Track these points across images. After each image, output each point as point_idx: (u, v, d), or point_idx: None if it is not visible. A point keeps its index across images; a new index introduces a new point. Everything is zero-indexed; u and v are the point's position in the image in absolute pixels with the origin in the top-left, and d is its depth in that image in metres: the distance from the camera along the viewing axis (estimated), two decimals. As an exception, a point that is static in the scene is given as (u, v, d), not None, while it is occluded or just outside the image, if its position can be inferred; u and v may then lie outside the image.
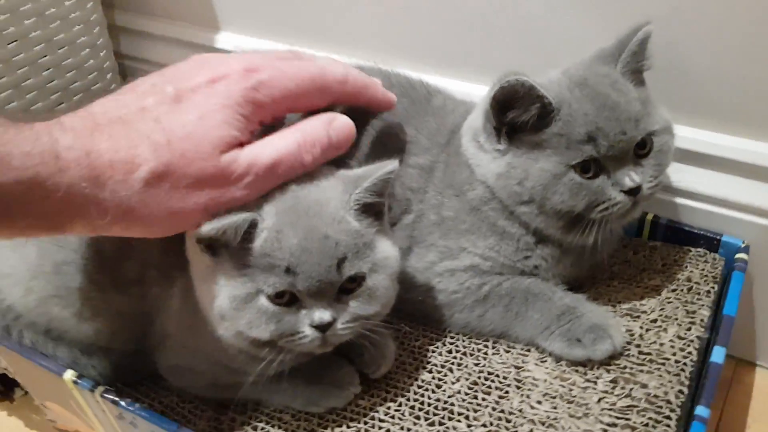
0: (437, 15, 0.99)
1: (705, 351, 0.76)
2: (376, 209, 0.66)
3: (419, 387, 0.74)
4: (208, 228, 0.59)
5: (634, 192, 0.72)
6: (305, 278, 0.61)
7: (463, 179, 0.79)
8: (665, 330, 0.76)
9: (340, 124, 0.66)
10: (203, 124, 0.58)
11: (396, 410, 0.72)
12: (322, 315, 0.62)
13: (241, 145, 0.60)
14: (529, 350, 0.77)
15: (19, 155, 0.51)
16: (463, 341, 0.79)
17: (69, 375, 0.75)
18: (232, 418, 0.74)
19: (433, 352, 0.78)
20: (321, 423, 0.72)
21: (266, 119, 0.63)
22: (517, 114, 0.72)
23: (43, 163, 0.52)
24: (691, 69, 0.84)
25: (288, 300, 0.63)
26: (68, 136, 0.54)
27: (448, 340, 0.80)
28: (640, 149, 0.73)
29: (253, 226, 0.61)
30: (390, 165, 0.64)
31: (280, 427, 0.72)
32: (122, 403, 0.72)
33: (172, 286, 0.72)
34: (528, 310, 0.76)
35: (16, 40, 1.05)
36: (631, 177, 0.72)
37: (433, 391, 0.74)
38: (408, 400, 0.73)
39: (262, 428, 0.72)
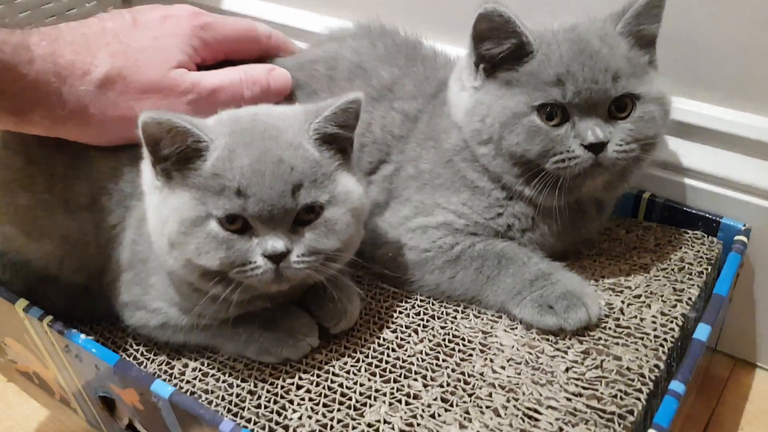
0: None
1: (692, 331, 0.71)
2: (339, 143, 0.63)
3: (380, 345, 0.70)
4: (155, 116, 0.57)
5: (595, 149, 0.67)
6: (256, 201, 0.58)
7: (442, 127, 0.75)
8: (648, 306, 0.71)
9: (278, 73, 0.78)
10: (157, 43, 0.68)
11: (353, 366, 0.68)
12: (275, 244, 0.59)
13: (188, 66, 0.71)
14: (500, 317, 0.73)
15: None
16: (433, 305, 0.75)
17: (21, 304, 0.73)
18: (185, 364, 0.71)
19: (401, 313, 0.74)
20: (273, 373, 0.68)
21: (208, 58, 0.74)
22: (493, 46, 0.68)
23: (16, 52, 0.60)
24: (696, 38, 0.79)
25: (240, 227, 0.59)
26: (37, 38, 0.63)
27: (418, 302, 0.76)
28: (620, 111, 0.68)
29: (203, 145, 0.59)
30: (353, 95, 0.61)
31: (231, 375, 0.69)
32: (66, 333, 0.69)
33: (128, 216, 0.69)
34: (500, 273, 0.72)
35: (29, 10, 1.05)
36: (594, 131, 0.66)
37: (393, 350, 0.70)
38: (366, 357, 0.69)
39: (213, 375, 0.69)
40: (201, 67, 0.74)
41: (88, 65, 0.65)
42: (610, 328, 0.69)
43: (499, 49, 0.69)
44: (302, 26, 1.09)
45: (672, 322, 0.69)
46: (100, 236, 0.71)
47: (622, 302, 0.72)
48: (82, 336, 0.69)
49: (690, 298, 0.72)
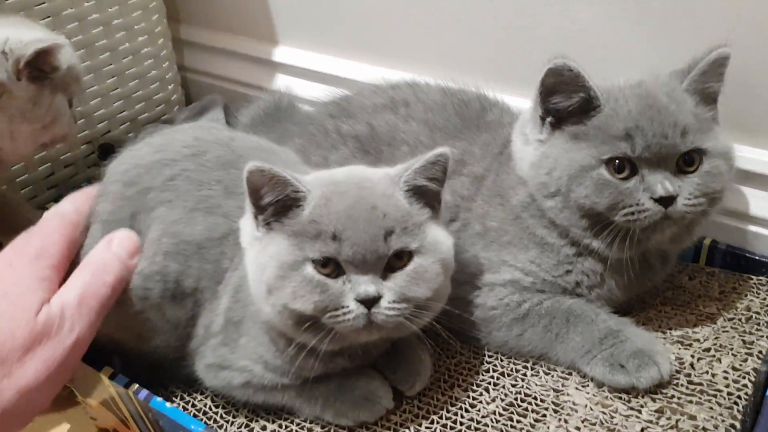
0: (487, 28, 0.98)
1: (764, 385, 0.71)
2: (428, 198, 0.66)
3: (452, 405, 0.72)
4: (259, 165, 0.61)
5: (665, 202, 0.68)
6: (350, 245, 0.61)
7: (508, 183, 0.78)
8: (719, 360, 0.72)
9: (118, 239, 0.72)
10: (9, 297, 0.63)
11: (427, 428, 0.70)
12: (368, 288, 0.61)
13: (48, 301, 0.65)
14: (570, 373, 0.74)
15: None
16: (501, 360, 0.76)
17: (106, 370, 0.76)
18: (263, 426, 0.73)
19: (470, 370, 0.76)
20: (351, 436, 0.70)
21: (61, 270, 0.70)
22: (561, 100, 0.71)
23: None
24: (756, 86, 0.79)
25: (334, 271, 0.62)
26: None
27: (486, 358, 0.77)
28: (687, 166, 0.70)
29: (301, 195, 0.63)
30: (441, 149, 0.65)
31: (309, 438, 0.71)
32: (153, 401, 0.72)
33: (224, 287, 0.72)
34: (569, 331, 0.73)
35: (83, 48, 1.09)
36: (664, 185, 0.68)
37: (467, 411, 0.71)
38: (441, 418, 0.71)
39: (291, 437, 0.71)
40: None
41: None
42: (682, 385, 0.69)
43: (568, 103, 0.71)
44: (354, 77, 1.12)
45: (744, 377, 0.69)
46: (196, 311, 0.75)
47: (692, 356, 0.73)
48: (168, 404, 0.72)
49: (760, 351, 0.72)
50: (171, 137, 0.79)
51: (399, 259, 0.63)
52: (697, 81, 0.71)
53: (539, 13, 0.93)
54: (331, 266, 0.62)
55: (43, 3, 1.01)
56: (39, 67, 0.82)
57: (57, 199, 1.11)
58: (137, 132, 1.19)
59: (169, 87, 1.27)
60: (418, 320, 0.64)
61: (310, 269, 0.62)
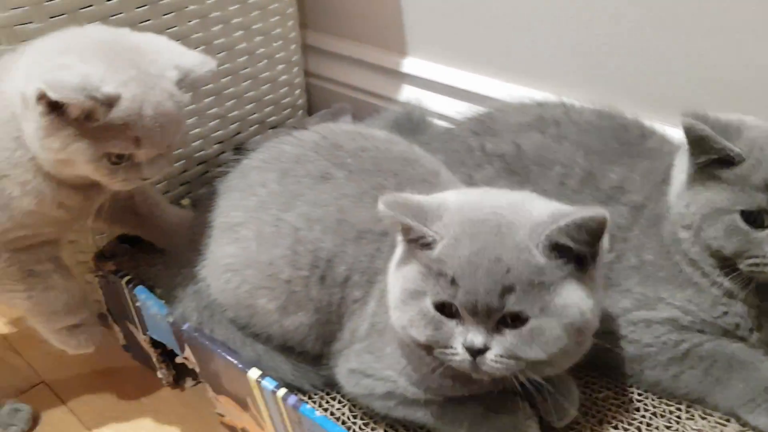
0: (640, 52, 0.96)
1: None
2: (575, 253, 0.61)
3: (603, 441, 0.70)
4: (390, 205, 0.61)
5: None
6: (465, 293, 0.59)
7: (662, 212, 0.76)
8: None
9: None
10: None
11: (577, 462, 0.68)
12: (474, 338, 0.60)
13: None
14: (728, 420, 0.71)
15: None
16: (652, 400, 0.74)
17: (254, 374, 0.77)
18: (402, 442, 0.73)
19: (619, 407, 0.74)
20: (495, 462, 0.69)
21: None
22: (698, 151, 0.71)
23: None
24: None
25: (449, 311, 0.61)
26: None
27: (635, 396, 0.75)
28: None
29: (431, 240, 0.61)
30: (596, 212, 0.59)
31: (451, 459, 0.70)
32: (301, 408, 0.73)
33: (373, 289, 0.73)
34: (731, 377, 0.70)
35: (224, 51, 1.12)
36: None
37: (619, 449, 0.69)
38: (590, 453, 0.69)
39: (432, 457, 0.71)
40: None
41: None
42: None
43: (705, 157, 0.70)
44: (487, 93, 1.11)
45: None
46: (342, 308, 0.76)
47: None
48: (317, 412, 0.73)
49: None
50: (334, 129, 0.84)
51: (514, 318, 0.60)
52: None
53: (708, 44, 0.90)
54: (447, 307, 0.61)
55: (193, 6, 1.04)
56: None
57: (189, 195, 1.15)
58: (264, 134, 1.22)
59: (296, 92, 1.30)
60: (530, 375, 0.62)
61: (428, 303, 0.62)
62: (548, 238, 0.59)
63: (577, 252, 0.60)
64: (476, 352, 0.60)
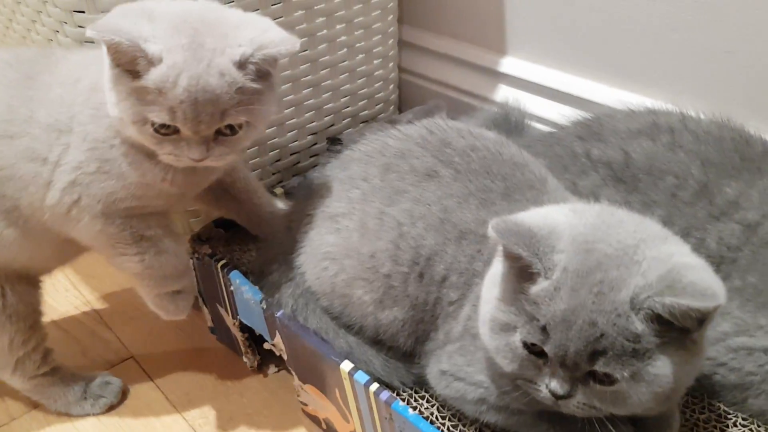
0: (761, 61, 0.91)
1: None
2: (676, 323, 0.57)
3: (706, 465, 0.67)
4: (499, 235, 0.59)
5: None
6: (554, 346, 0.58)
7: None
8: None
9: None
10: None
11: (679, 485, 0.66)
12: (557, 387, 0.59)
13: None
14: None
15: None
16: (758, 426, 0.71)
17: (346, 366, 0.78)
18: (493, 447, 0.72)
19: (722, 430, 0.71)
20: (590, 478, 0.67)
21: None
22: None
23: None
24: None
25: (539, 350, 0.60)
26: None
27: (740, 420, 0.71)
28: None
29: (536, 271, 0.59)
30: (708, 304, 0.54)
31: (546, 470, 0.68)
32: (393, 404, 0.72)
33: (470, 292, 0.72)
34: None
35: (326, 43, 1.12)
36: None
37: (725, 475, 0.66)
38: (693, 477, 0.66)
39: (526, 466, 0.69)
40: None
41: None
42: None
43: None
44: (589, 97, 1.09)
45: None
46: (438, 308, 0.75)
47: None
48: (410, 410, 0.72)
49: None
50: (442, 125, 0.83)
51: (604, 375, 0.58)
52: None
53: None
54: (537, 348, 0.60)
55: (302, -3, 1.06)
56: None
57: (281, 184, 1.17)
58: (356, 128, 1.23)
59: (390, 87, 1.30)
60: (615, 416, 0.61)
61: (517, 340, 0.61)
62: (651, 309, 0.56)
63: (683, 326, 0.57)
64: (560, 397, 0.60)
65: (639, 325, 0.57)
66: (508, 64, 1.22)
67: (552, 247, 0.60)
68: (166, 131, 0.70)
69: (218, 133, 0.71)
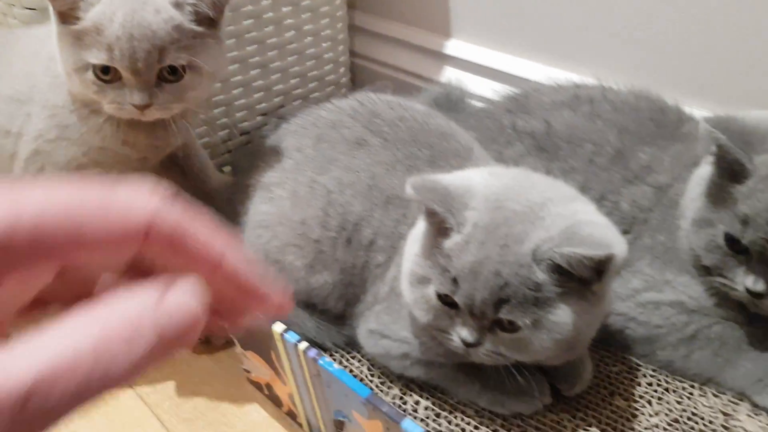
0: (686, 38, 0.95)
1: None
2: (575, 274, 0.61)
3: (612, 413, 0.71)
4: (416, 192, 0.62)
5: (754, 294, 0.66)
6: (463, 296, 0.62)
7: (682, 195, 0.76)
8: None
9: (175, 302, 0.28)
10: None
11: (584, 429, 0.70)
12: (467, 335, 0.64)
13: None
14: (741, 399, 0.71)
15: None
16: (666, 376, 0.75)
17: (278, 327, 0.81)
18: (416, 401, 0.75)
19: (632, 381, 0.75)
20: (504, 425, 0.71)
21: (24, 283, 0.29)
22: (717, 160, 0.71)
23: None
24: None
25: (451, 301, 0.64)
26: None
27: (649, 372, 0.76)
28: None
29: (449, 227, 0.63)
30: (604, 253, 0.58)
31: (463, 420, 0.72)
32: (321, 361, 0.76)
33: (395, 255, 0.76)
34: (740, 358, 0.70)
35: (273, 25, 1.15)
36: (757, 282, 0.65)
37: (628, 420, 0.70)
38: (599, 422, 0.70)
39: (445, 416, 0.73)
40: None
41: None
42: None
43: (721, 167, 0.70)
44: (529, 76, 1.12)
45: None
46: (366, 271, 0.79)
47: None
48: (336, 365, 0.75)
49: None
50: (373, 97, 0.86)
51: (509, 322, 0.62)
52: None
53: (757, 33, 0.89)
54: (449, 297, 0.64)
55: (244, -19, 1.08)
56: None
57: (231, 164, 1.20)
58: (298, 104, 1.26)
59: (341, 70, 1.33)
60: (532, 363, 0.66)
61: (432, 291, 0.65)
62: (551, 260, 0.60)
63: (581, 276, 0.61)
64: (469, 344, 0.64)
65: (540, 275, 0.60)
66: (453, 47, 1.26)
67: (465, 204, 0.64)
68: (107, 77, 0.71)
69: (162, 79, 0.72)
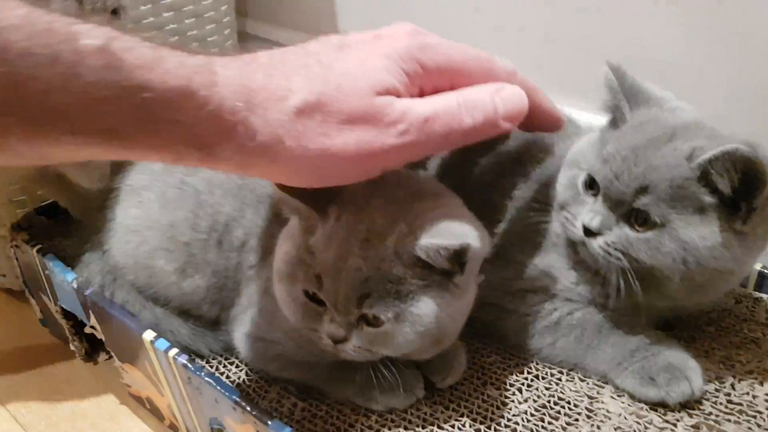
0: (570, 43, 0.99)
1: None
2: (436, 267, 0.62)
3: (484, 402, 0.72)
4: (280, 193, 0.61)
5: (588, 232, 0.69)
6: (327, 292, 0.62)
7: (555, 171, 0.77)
8: (761, 383, 0.70)
9: (509, 92, 0.58)
10: (362, 65, 0.55)
11: (457, 420, 0.70)
12: (334, 331, 0.63)
13: (397, 94, 0.55)
14: (606, 382, 0.73)
15: (172, 64, 0.48)
16: (537, 364, 0.76)
17: (148, 335, 0.78)
18: (294, 403, 0.74)
19: (504, 370, 0.76)
20: (379, 421, 0.71)
21: (426, 87, 0.57)
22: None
23: (197, 74, 0.49)
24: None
25: (318, 298, 0.63)
26: (223, 60, 0.52)
27: (521, 361, 0.77)
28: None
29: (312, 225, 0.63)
30: (459, 243, 0.58)
31: (338, 419, 0.71)
32: (191, 366, 0.74)
33: (268, 256, 0.74)
34: (600, 343, 0.72)
35: (155, 30, 1.13)
36: (594, 219, 0.68)
37: (498, 408, 0.71)
38: (471, 412, 0.71)
39: (321, 417, 0.72)
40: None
41: (283, 90, 0.52)
42: (721, 404, 0.68)
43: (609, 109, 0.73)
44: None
45: (787, 402, 0.67)
46: (239, 273, 0.77)
47: (734, 377, 0.71)
48: (205, 369, 0.73)
49: (806, 378, 0.70)
50: None
51: (373, 317, 0.62)
52: None
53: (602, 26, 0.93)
54: (315, 295, 0.63)
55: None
56: None
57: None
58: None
59: (231, 77, 1.31)
60: (401, 358, 0.67)
61: (299, 288, 0.64)
62: (411, 253, 0.60)
63: (442, 268, 0.61)
64: (337, 341, 0.64)
65: (401, 269, 0.61)
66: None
67: (331, 200, 0.63)
68: None
69: None
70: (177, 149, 0.51)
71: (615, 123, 0.72)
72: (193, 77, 0.49)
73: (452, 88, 0.58)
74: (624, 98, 0.70)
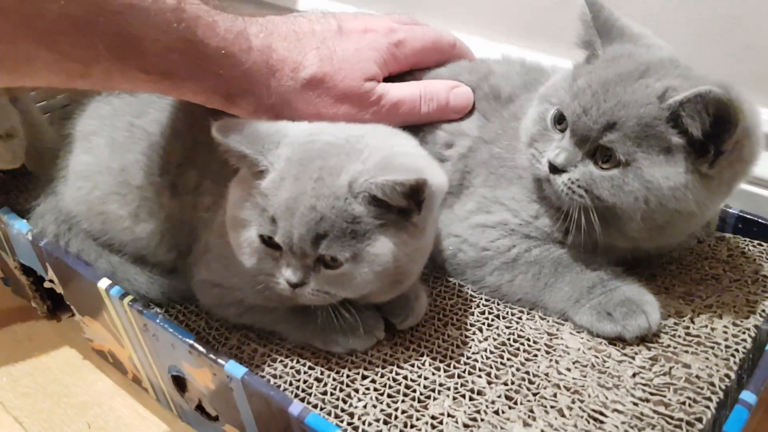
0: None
1: (765, 342, 0.69)
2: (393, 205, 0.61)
3: (444, 342, 0.71)
4: (222, 136, 0.60)
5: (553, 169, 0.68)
6: (282, 234, 0.60)
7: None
8: (720, 316, 0.70)
9: (461, 91, 0.79)
10: (357, 54, 0.72)
11: (417, 360, 0.69)
12: (291, 275, 0.62)
13: (377, 80, 0.74)
14: (566, 320, 0.72)
15: (223, 27, 0.63)
16: (498, 305, 0.76)
17: (103, 283, 0.76)
18: (254, 349, 0.73)
19: (465, 311, 0.75)
20: (339, 362, 0.70)
21: (394, 71, 0.77)
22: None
23: (237, 40, 0.64)
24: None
25: (273, 243, 0.62)
26: (256, 29, 0.67)
27: (483, 302, 0.76)
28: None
29: (263, 168, 0.61)
30: (414, 178, 0.57)
31: (298, 362, 0.70)
32: (146, 312, 0.72)
33: (222, 199, 0.73)
34: (557, 280, 0.71)
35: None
36: (557, 153, 0.68)
37: (458, 347, 0.70)
38: (431, 352, 0.70)
39: (281, 360, 0.71)
40: (385, 79, 0.77)
41: (297, 63, 0.68)
42: (679, 336, 0.68)
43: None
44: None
45: (744, 333, 0.68)
46: (195, 218, 0.76)
47: (693, 311, 0.71)
48: (160, 315, 0.72)
49: (764, 310, 0.70)
50: None
51: (331, 258, 0.61)
52: None
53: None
54: (271, 239, 0.62)
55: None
56: None
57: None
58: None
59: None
60: (359, 300, 0.66)
61: (253, 233, 0.62)
62: (366, 191, 0.59)
63: (398, 206, 0.60)
64: (294, 285, 0.62)
65: (357, 208, 0.59)
66: (304, 2, 1.24)
67: (277, 143, 0.62)
68: None
69: None
70: (209, 95, 0.66)
71: (589, 59, 0.71)
72: (235, 41, 0.63)
73: (411, 68, 0.80)
74: (596, 33, 0.69)
